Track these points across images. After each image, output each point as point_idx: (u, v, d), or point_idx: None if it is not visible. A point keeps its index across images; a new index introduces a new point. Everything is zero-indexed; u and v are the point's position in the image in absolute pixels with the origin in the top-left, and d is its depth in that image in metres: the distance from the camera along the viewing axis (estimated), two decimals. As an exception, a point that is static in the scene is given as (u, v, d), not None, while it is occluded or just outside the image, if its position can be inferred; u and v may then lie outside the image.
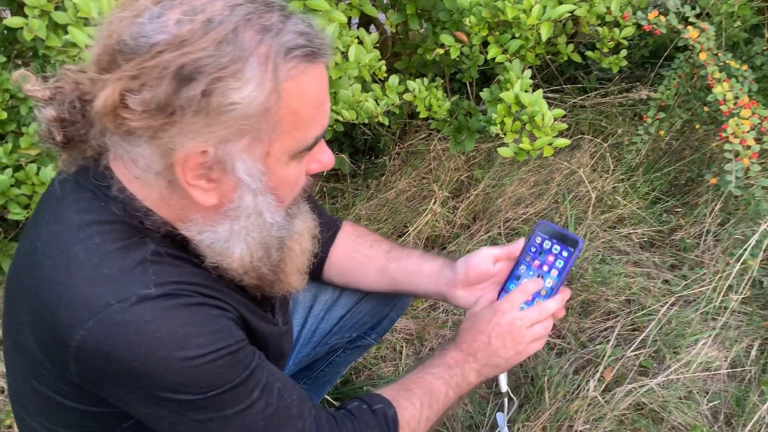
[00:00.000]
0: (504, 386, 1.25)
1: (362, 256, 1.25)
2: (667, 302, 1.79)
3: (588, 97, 2.55)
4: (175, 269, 0.82)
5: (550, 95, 2.69)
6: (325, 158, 0.88)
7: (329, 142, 2.58)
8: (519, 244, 1.13)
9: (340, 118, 1.42)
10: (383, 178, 2.41)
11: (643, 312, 1.78)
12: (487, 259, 1.14)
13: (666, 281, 1.91)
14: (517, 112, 1.76)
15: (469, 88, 2.32)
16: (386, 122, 1.53)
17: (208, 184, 0.80)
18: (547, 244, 1.10)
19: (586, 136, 2.26)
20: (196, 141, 0.75)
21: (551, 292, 1.09)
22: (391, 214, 2.25)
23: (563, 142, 1.71)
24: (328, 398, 1.69)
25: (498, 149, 1.72)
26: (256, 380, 0.87)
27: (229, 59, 0.73)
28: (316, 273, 1.28)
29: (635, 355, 1.67)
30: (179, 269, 0.83)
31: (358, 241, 1.27)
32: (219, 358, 0.81)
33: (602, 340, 1.78)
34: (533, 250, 1.12)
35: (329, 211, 2.31)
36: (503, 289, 1.13)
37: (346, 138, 2.65)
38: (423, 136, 2.48)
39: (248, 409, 0.85)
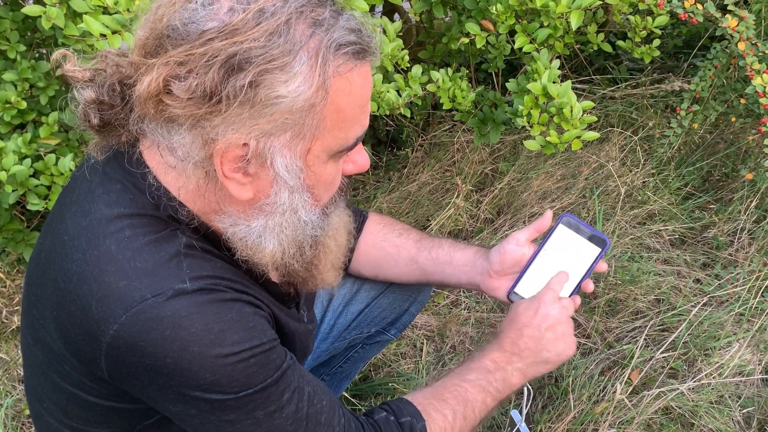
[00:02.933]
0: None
1: (391, 246, 1.22)
2: (698, 302, 1.72)
3: (618, 88, 2.47)
4: (208, 263, 0.80)
5: (578, 86, 2.62)
6: (361, 160, 0.86)
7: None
8: (547, 217, 1.09)
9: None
10: (405, 170, 2.36)
11: (673, 312, 1.72)
12: (521, 244, 1.10)
13: (698, 281, 1.84)
14: (544, 103, 1.70)
15: (495, 79, 2.26)
16: (408, 114, 1.48)
17: (244, 178, 0.78)
18: (570, 240, 1.05)
19: (615, 129, 2.19)
20: (239, 132, 0.73)
21: (571, 293, 1.05)
22: (413, 207, 2.20)
23: (592, 135, 1.65)
24: (346, 395, 1.66)
25: (524, 142, 1.67)
26: (287, 382, 0.84)
27: (279, 51, 0.71)
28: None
29: (664, 357, 1.61)
30: (211, 263, 0.81)
31: (386, 230, 1.24)
32: (252, 357, 0.79)
33: (630, 341, 1.72)
34: (554, 243, 1.07)
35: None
36: (518, 280, 1.09)
37: (368, 129, 2.61)
38: (447, 127, 2.43)
39: (278, 412, 0.83)
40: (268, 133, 0.74)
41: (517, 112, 1.69)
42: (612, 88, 2.48)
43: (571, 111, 1.63)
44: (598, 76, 2.63)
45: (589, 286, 1.07)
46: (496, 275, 1.12)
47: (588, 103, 1.67)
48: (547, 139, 1.64)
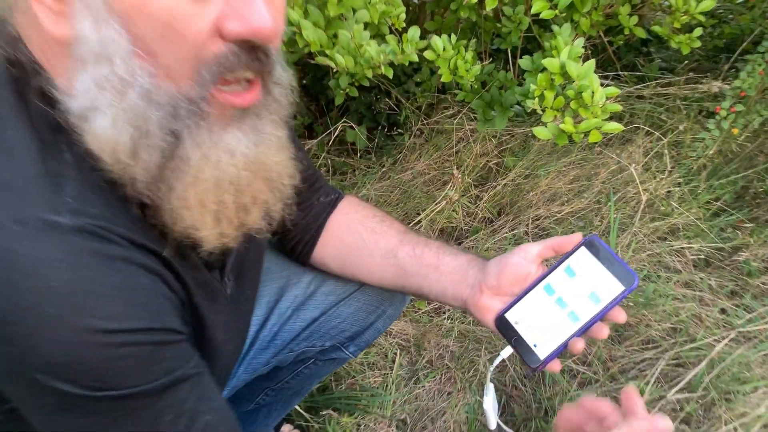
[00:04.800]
0: (493, 423, 0.95)
1: (369, 231, 0.98)
2: (723, 337, 1.45)
3: (648, 86, 2.20)
4: (100, 198, 0.57)
5: (603, 81, 2.35)
6: (249, 12, 0.54)
7: (346, 114, 2.29)
8: (573, 238, 0.84)
9: (332, 65, 1.12)
10: (400, 156, 2.11)
11: (692, 345, 1.45)
12: (530, 259, 0.85)
13: (723, 311, 1.57)
14: (561, 85, 1.44)
15: (510, 60, 2.00)
16: (390, 74, 1.22)
17: (56, 3, 0.54)
18: (589, 267, 0.80)
19: (642, 127, 1.91)
20: None
21: (581, 332, 0.79)
22: (404, 199, 1.95)
23: (615, 126, 1.38)
24: (298, 408, 1.41)
25: (533, 129, 1.41)
26: (177, 399, 0.60)
27: None
28: (302, 252, 1.01)
29: (678, 399, 1.34)
30: (105, 199, 0.57)
31: (365, 213, 1.01)
32: (132, 344, 0.55)
33: (637, 374, 1.45)
34: (571, 269, 0.82)
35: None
36: (513, 304, 0.84)
37: (368, 111, 2.36)
38: (451, 113, 2.17)
39: None
40: None
41: (528, 93, 1.43)
42: (640, 86, 2.21)
43: (593, 96, 1.37)
44: (626, 73, 2.36)
45: (603, 331, 0.80)
46: (490, 292, 0.87)
47: (613, 90, 1.40)
48: (561, 127, 1.38)
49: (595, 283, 0.80)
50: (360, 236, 0.99)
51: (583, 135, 1.39)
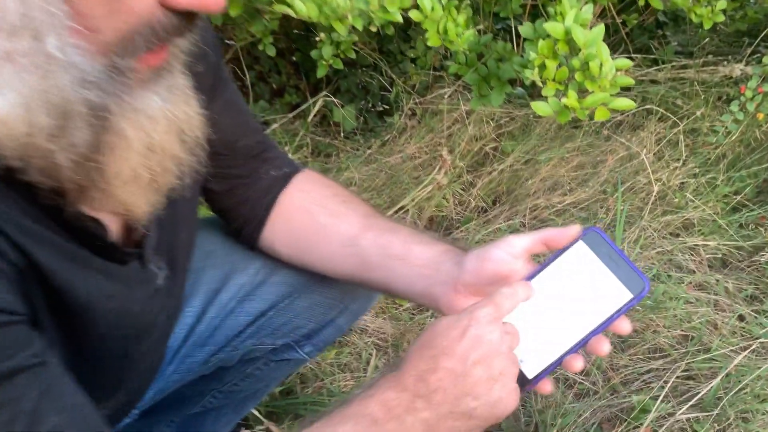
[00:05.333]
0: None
1: (327, 214, 0.82)
2: (741, 347, 1.28)
3: (662, 69, 2.02)
4: None
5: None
6: None
7: (337, 94, 2.12)
8: (571, 231, 0.67)
9: (292, 13, 0.95)
10: (389, 138, 1.93)
11: (705, 356, 1.28)
12: (515, 254, 0.69)
13: (742, 317, 1.39)
14: (565, 56, 1.26)
15: (512, 32, 1.81)
16: (359, 26, 1.05)
17: None
18: (589, 267, 0.63)
19: (656, 108, 1.73)
20: None
21: (577, 347, 0.62)
22: (390, 184, 1.77)
23: (625, 103, 1.21)
24: (256, 412, 1.24)
25: (532, 104, 1.23)
26: (9, 396, 0.50)
27: None
28: (249, 234, 0.86)
29: (688, 418, 1.17)
30: None
31: (326, 192, 0.85)
32: None
33: (642, 387, 1.28)
34: (565, 268, 0.65)
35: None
36: None
37: (360, 91, 2.19)
38: (447, 92, 2.00)
39: None
40: None
41: (528, 62, 1.25)
42: (655, 68, 2.03)
43: (601, 67, 1.19)
44: (639, 56, 2.18)
45: (603, 347, 0.63)
46: (465, 290, 0.71)
47: (624, 62, 1.22)
48: (564, 101, 1.20)
49: (596, 288, 0.63)
50: (316, 219, 0.83)
51: (588, 112, 1.21)
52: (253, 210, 0.85)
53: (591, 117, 1.22)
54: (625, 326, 0.64)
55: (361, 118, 2.16)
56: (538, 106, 1.22)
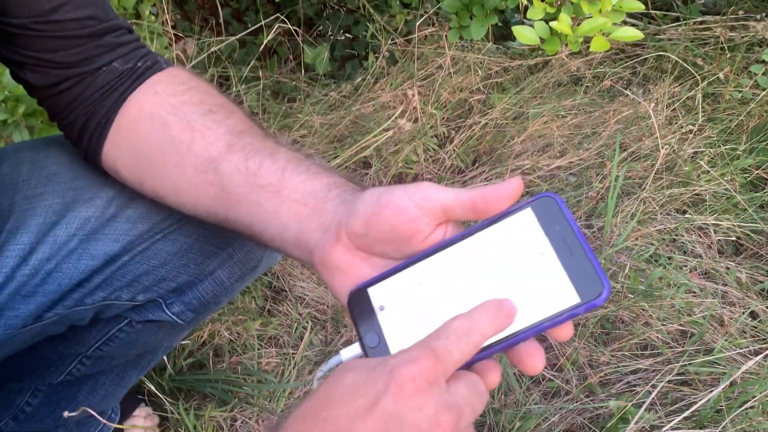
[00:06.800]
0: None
1: (183, 127, 0.59)
2: (751, 350, 1.04)
3: (682, 24, 1.75)
4: None
5: (629, 20, 1.91)
6: None
7: (320, 38, 1.87)
8: (511, 185, 0.43)
9: None
10: (363, 83, 1.68)
11: (706, 358, 1.04)
12: (426, 210, 0.45)
13: (754, 315, 1.15)
14: (560, -28, 1.02)
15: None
16: None
17: None
18: (533, 251, 0.40)
19: (674, 57, 1.47)
20: None
21: (490, 353, 0.38)
22: (355, 134, 1.52)
23: (630, 33, 0.96)
24: (151, 386, 1.02)
25: (514, 29, 0.98)
26: None
27: None
28: (89, 148, 0.64)
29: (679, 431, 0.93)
30: None
31: (188, 97, 0.61)
32: None
33: (625, 390, 1.04)
34: (497, 245, 0.41)
35: (274, 122, 1.62)
36: (383, 277, 0.44)
37: (338, 32, 1.94)
38: (434, 35, 1.73)
39: None
40: None
41: (512, -23, 1.00)
42: (674, 24, 1.76)
43: (603, -15, 0.94)
44: (657, 12, 1.90)
45: (534, 360, 0.41)
46: (351, 243, 0.49)
47: (635, 2, 0.97)
48: (553, 26, 0.95)
49: (534, 277, 0.40)
50: (168, 132, 0.59)
51: (582, 41, 0.96)
52: (88, 116, 0.61)
53: (587, 49, 0.97)
54: (565, 333, 0.40)
55: (337, 63, 1.91)
56: (521, 32, 0.97)
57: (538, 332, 0.39)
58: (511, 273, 0.40)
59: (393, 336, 0.42)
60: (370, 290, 0.45)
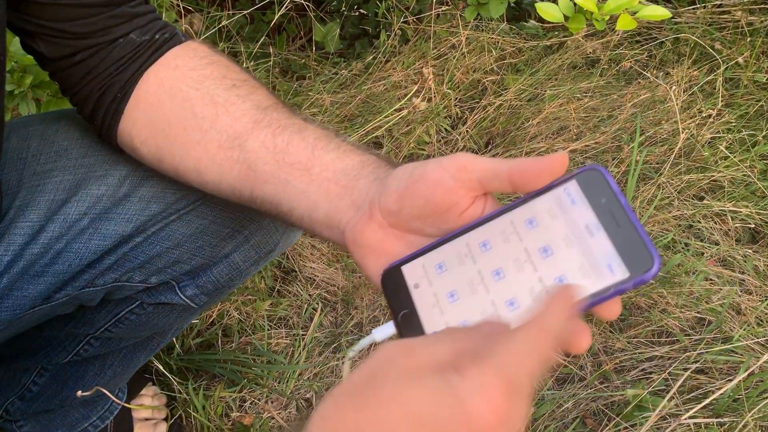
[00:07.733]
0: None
1: (207, 102, 0.57)
2: (771, 340, 1.02)
3: (701, 6, 1.71)
4: None
5: (644, 3, 1.87)
6: None
7: (332, 17, 1.83)
8: (557, 162, 0.40)
9: None
10: (374, 61, 1.65)
11: (723, 347, 1.02)
12: (464, 181, 0.43)
13: (774, 303, 1.13)
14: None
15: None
16: None
17: None
18: (580, 222, 0.38)
19: (694, 39, 1.44)
20: None
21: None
22: (365, 113, 1.50)
23: (658, 12, 0.93)
24: (161, 367, 1.00)
25: (537, 5, 0.95)
26: None
27: None
28: (104, 124, 0.61)
29: (696, 423, 0.92)
30: None
31: (210, 71, 0.58)
32: None
33: (641, 378, 1.03)
34: (541, 219, 0.40)
35: (284, 100, 1.59)
36: (419, 254, 0.42)
37: (354, 15, 1.90)
38: (448, 15, 1.70)
39: None
40: None
41: (536, -49, 0.97)
42: (692, 7, 1.72)
43: (631, -40, 0.91)
44: (676, -6, 1.86)
45: (581, 339, 0.35)
46: (385, 221, 0.46)
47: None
48: (578, 2, 0.92)
49: (582, 252, 0.38)
50: (190, 108, 0.57)
51: (607, 19, 0.93)
52: (103, 90, 0.59)
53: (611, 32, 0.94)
54: (612, 311, 0.38)
55: (346, 41, 1.88)
56: (544, 9, 0.94)
57: (586, 310, 0.37)
58: (557, 248, 0.38)
59: (428, 315, 0.40)
60: (404, 268, 0.43)
